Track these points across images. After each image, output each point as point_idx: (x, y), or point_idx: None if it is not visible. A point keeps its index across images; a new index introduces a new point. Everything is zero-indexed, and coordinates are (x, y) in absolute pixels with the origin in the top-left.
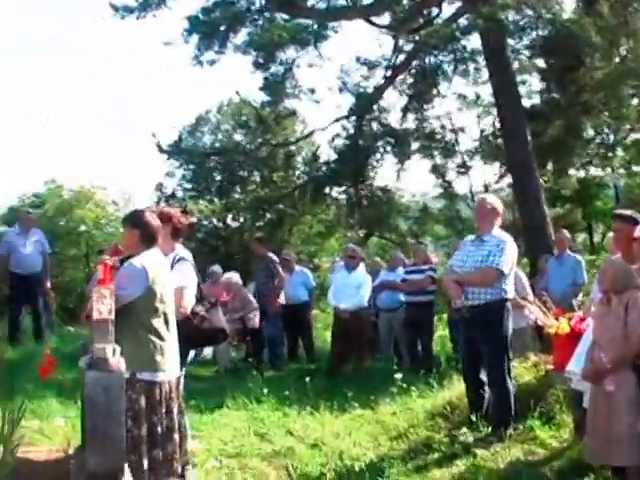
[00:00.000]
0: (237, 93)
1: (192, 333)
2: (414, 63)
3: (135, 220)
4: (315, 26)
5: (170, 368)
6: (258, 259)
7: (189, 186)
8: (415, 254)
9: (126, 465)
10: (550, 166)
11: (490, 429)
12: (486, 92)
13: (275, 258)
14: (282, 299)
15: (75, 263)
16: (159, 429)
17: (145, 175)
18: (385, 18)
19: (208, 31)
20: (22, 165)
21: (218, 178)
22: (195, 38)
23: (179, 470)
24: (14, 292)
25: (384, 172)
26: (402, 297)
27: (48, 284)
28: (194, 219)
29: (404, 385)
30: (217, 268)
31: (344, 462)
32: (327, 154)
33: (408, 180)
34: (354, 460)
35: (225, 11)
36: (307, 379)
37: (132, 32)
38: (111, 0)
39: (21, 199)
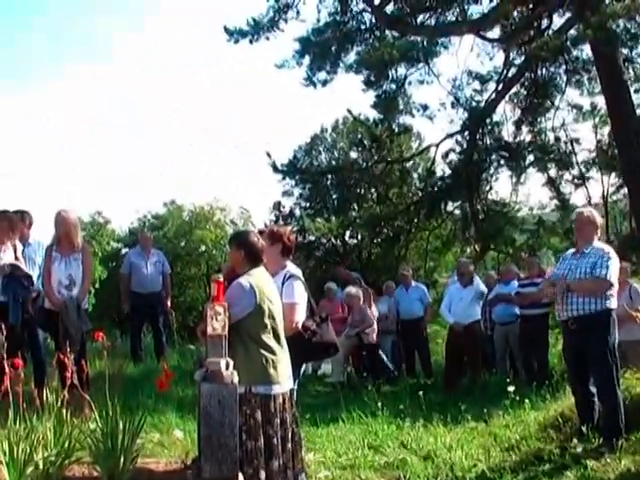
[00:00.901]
0: (349, 112)
1: (303, 347)
2: (526, 75)
3: (240, 241)
4: (425, 43)
5: (283, 381)
6: (345, 282)
7: (306, 204)
8: (529, 267)
9: (240, 475)
10: None
11: (601, 440)
12: (603, 102)
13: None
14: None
15: (195, 282)
16: (275, 440)
17: (263, 194)
18: (495, 32)
19: (320, 52)
20: (142, 186)
21: (334, 196)
22: (307, 59)
23: (293, 479)
24: (135, 311)
25: (501, 185)
26: (517, 310)
27: (168, 303)
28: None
29: (517, 398)
30: (333, 285)
31: (455, 474)
32: (442, 169)
33: (526, 193)
34: (465, 472)
35: (336, 31)
36: (421, 393)
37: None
38: (225, 24)
39: (141, 220)
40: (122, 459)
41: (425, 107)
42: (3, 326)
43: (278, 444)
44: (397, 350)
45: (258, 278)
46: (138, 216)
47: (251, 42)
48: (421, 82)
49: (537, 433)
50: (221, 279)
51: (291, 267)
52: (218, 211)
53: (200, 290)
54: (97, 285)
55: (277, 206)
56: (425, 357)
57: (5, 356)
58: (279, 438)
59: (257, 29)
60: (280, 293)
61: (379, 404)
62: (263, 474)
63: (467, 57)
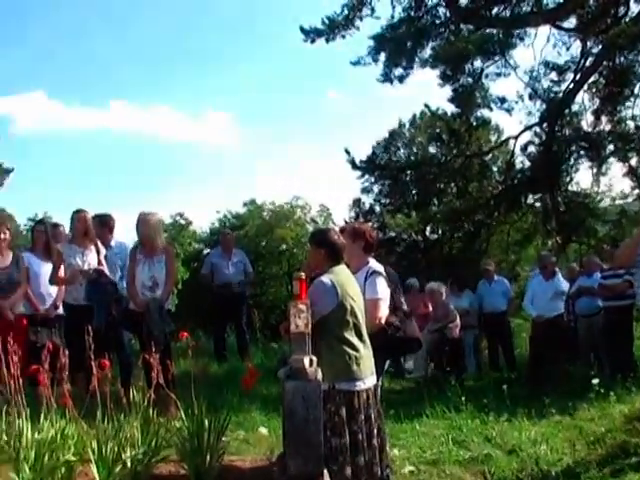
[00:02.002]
0: (426, 107)
1: (387, 343)
2: (604, 64)
3: (320, 239)
4: (500, 35)
5: (367, 377)
6: None
7: (386, 201)
8: (611, 259)
9: (325, 471)
10: None
11: None
12: None
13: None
14: None
15: (277, 281)
16: (360, 437)
17: (342, 191)
18: (571, 21)
19: (395, 48)
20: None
21: (414, 191)
22: (383, 56)
23: (379, 474)
24: (218, 311)
25: (581, 176)
26: (600, 302)
27: (251, 302)
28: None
29: (602, 390)
30: (414, 281)
31: (540, 468)
32: (521, 162)
33: (608, 183)
34: (551, 466)
35: (410, 27)
36: (505, 387)
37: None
38: (301, 24)
39: (222, 221)
40: (208, 457)
41: (503, 100)
42: (89, 328)
43: (363, 440)
44: (479, 345)
45: (340, 275)
46: (218, 216)
47: (327, 41)
48: (498, 75)
49: (623, 426)
50: (304, 277)
51: (373, 263)
52: (298, 209)
53: (282, 289)
54: (180, 286)
55: (357, 203)
56: (508, 351)
57: (92, 357)
58: (364, 434)
59: (332, 28)
60: (362, 290)
61: (463, 399)
62: (349, 470)
63: (543, 48)
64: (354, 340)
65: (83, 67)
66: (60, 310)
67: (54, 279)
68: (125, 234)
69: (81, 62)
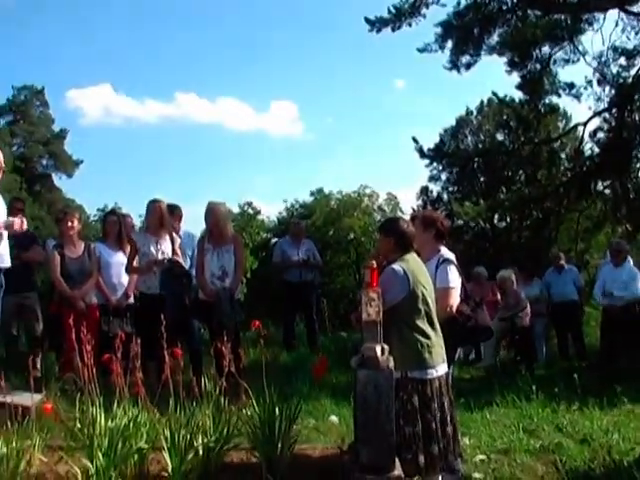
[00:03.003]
0: (494, 94)
1: (458, 331)
2: None
3: (389, 228)
4: (568, 20)
5: (439, 365)
6: None
7: (454, 189)
8: None
9: (397, 459)
10: None
11: None
12: None
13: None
14: None
15: (345, 270)
16: (434, 425)
17: (410, 180)
18: None
19: (462, 35)
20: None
21: (482, 179)
22: (449, 43)
23: (453, 463)
24: (288, 300)
25: None
26: None
27: (319, 291)
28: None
29: None
30: (481, 269)
31: (613, 457)
32: (590, 148)
33: None
34: (623, 455)
35: (477, 13)
36: (575, 376)
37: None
38: (366, 15)
39: (289, 210)
40: (280, 445)
41: (571, 86)
42: (162, 317)
43: (437, 429)
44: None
45: (411, 263)
46: (286, 205)
47: (393, 30)
48: (566, 60)
49: None
50: (375, 265)
51: (445, 252)
52: (366, 198)
53: (350, 277)
54: (248, 275)
55: (424, 191)
56: (579, 340)
57: (165, 346)
58: (438, 422)
59: (399, 16)
60: (433, 278)
61: (533, 387)
62: (422, 459)
63: (612, 32)
64: (426, 328)
65: (148, 61)
66: (131, 299)
67: (129, 268)
68: (193, 225)
69: (146, 56)
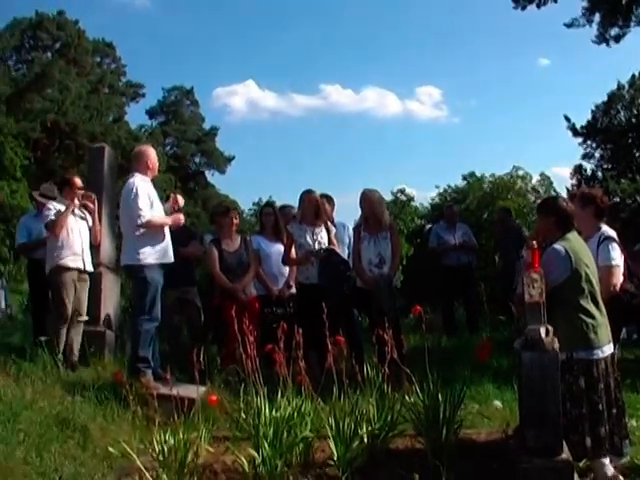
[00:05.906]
0: None
1: (622, 310)
2: None
3: (549, 207)
4: None
5: (605, 345)
6: (505, 231)
7: (608, 166)
8: None
9: (564, 442)
10: None
11: None
12: None
13: None
14: None
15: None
16: (600, 407)
17: (562, 160)
18: None
19: (610, 7)
20: (437, 160)
21: (638, 155)
22: (597, 16)
23: (619, 445)
24: (446, 285)
25: None
26: None
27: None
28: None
29: None
30: None
31: None
32: None
33: None
34: None
35: None
36: None
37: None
38: None
39: (442, 195)
40: (444, 430)
41: None
42: (323, 307)
43: (604, 410)
44: None
45: (572, 242)
46: (439, 191)
47: (538, 6)
48: None
49: None
50: (536, 246)
51: (606, 229)
52: (519, 180)
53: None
54: (404, 262)
55: (578, 170)
56: None
57: (327, 335)
58: (604, 404)
59: None
60: (595, 257)
61: None
62: (589, 441)
63: None
64: (590, 307)
65: (289, 55)
66: (293, 289)
67: (287, 260)
68: (346, 216)
69: (287, 51)
